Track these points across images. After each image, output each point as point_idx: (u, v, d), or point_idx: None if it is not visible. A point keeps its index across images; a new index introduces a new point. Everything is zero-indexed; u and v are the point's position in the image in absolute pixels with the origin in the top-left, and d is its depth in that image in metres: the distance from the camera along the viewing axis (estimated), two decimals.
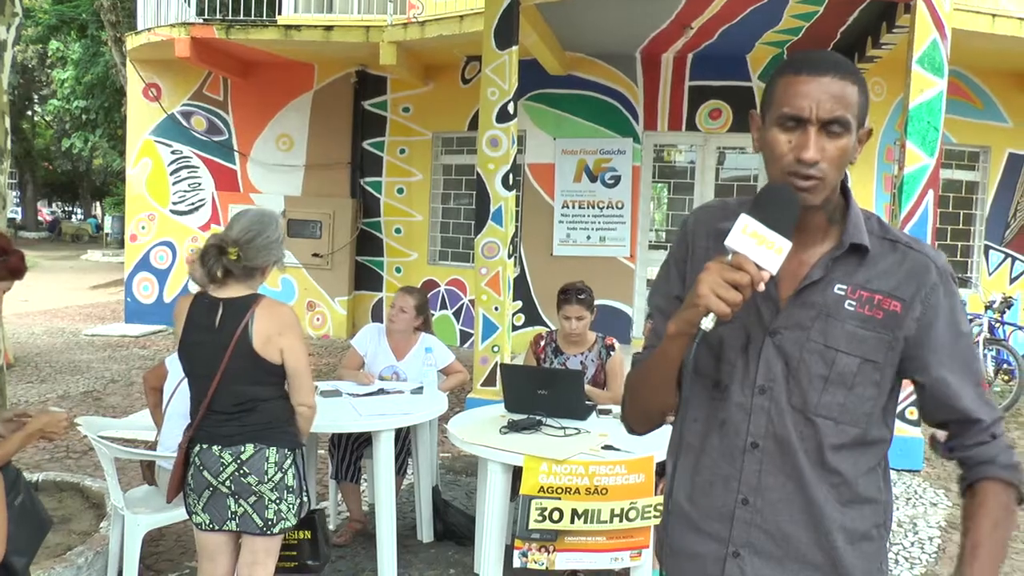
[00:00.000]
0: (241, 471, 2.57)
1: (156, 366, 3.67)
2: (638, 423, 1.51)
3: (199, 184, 10.60)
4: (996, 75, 8.62)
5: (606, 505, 2.91)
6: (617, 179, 9.11)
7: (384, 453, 3.49)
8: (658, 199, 11.02)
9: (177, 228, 10.64)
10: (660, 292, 1.48)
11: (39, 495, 3.11)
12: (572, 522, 2.91)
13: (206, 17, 10.45)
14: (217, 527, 2.63)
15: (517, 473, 3.07)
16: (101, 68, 17.75)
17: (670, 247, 1.49)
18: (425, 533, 4.09)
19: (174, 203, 10.67)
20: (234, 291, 2.63)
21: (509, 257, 6.25)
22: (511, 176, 6.22)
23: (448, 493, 4.63)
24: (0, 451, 2.30)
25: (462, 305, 9.71)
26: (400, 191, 10.12)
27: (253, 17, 9.96)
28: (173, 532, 3.96)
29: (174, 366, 3.40)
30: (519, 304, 9.26)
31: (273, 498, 2.60)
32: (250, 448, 2.58)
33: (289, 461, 2.64)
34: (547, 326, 8.83)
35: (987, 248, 8.98)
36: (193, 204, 10.63)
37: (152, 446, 3.55)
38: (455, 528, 4.09)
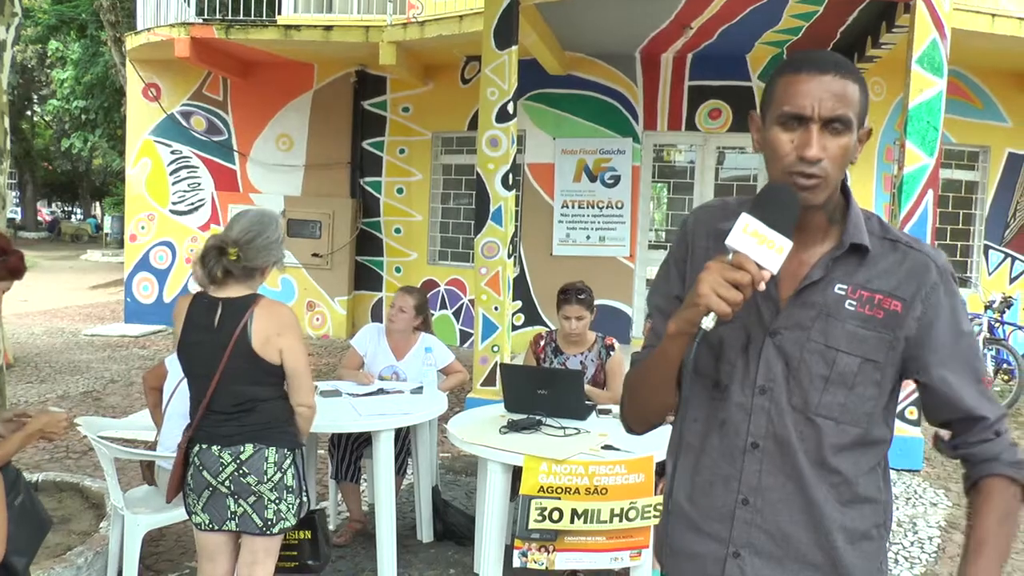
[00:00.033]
0: (240, 471, 2.57)
1: (156, 366, 3.67)
2: (637, 423, 1.51)
3: (199, 184, 10.60)
4: (996, 75, 8.63)
5: (606, 505, 2.91)
6: (617, 179, 9.11)
7: (384, 453, 3.49)
8: (658, 199, 11.03)
9: (177, 228, 10.64)
10: (660, 292, 1.47)
11: (39, 495, 3.11)
12: (572, 522, 2.91)
13: (206, 17, 10.45)
14: (217, 527, 2.63)
15: (517, 473, 3.07)
16: (101, 68, 17.75)
17: (670, 247, 1.49)
18: (425, 533, 4.09)
19: (174, 203, 10.67)
20: (233, 291, 2.63)
21: (509, 257, 6.25)
22: (511, 176, 6.22)
23: (448, 493, 4.63)
24: (0, 451, 2.30)
25: (462, 305, 9.71)
26: (400, 191, 10.12)
27: (253, 17, 9.96)
28: (173, 532, 3.96)
29: (174, 366, 3.40)
30: (519, 304, 9.26)
31: (272, 498, 2.60)
32: (249, 448, 2.58)
33: (288, 461, 2.64)
34: (547, 326, 8.83)
35: (987, 248, 8.98)
36: (193, 204, 10.63)
37: (152, 446, 3.55)
38: (455, 528, 4.09)
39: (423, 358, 4.27)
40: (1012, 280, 8.97)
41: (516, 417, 3.45)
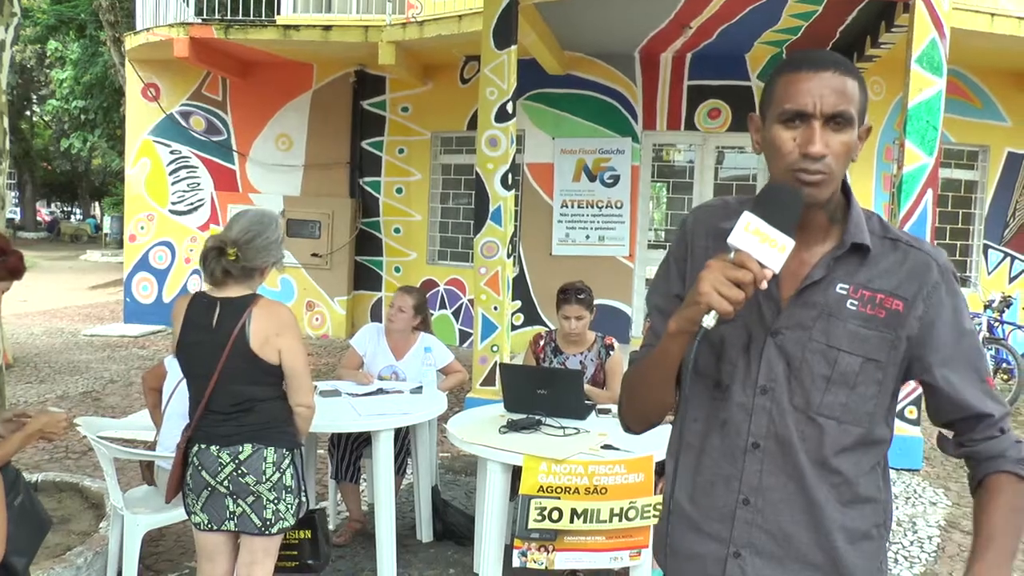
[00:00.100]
0: (239, 471, 2.57)
1: (155, 366, 3.67)
2: (635, 422, 1.51)
3: (198, 184, 10.60)
4: (995, 74, 8.63)
5: (605, 505, 2.91)
6: (616, 179, 9.11)
7: (383, 453, 3.49)
8: (657, 198, 11.02)
9: (176, 228, 10.64)
10: (659, 291, 1.47)
11: (39, 495, 3.10)
12: (571, 522, 2.91)
13: (205, 17, 10.45)
14: (215, 527, 2.63)
15: (516, 473, 3.07)
16: (100, 68, 17.75)
17: (669, 246, 1.49)
18: (424, 533, 4.09)
19: (173, 203, 10.66)
20: (233, 291, 2.63)
21: (508, 257, 6.25)
22: (510, 176, 6.22)
23: (447, 493, 4.63)
24: (0, 451, 2.30)
25: (461, 305, 9.71)
26: (399, 191, 10.12)
27: (252, 17, 9.96)
28: (172, 532, 3.95)
29: (173, 366, 3.40)
30: (518, 304, 9.26)
31: (271, 498, 2.60)
32: (248, 448, 2.58)
33: (287, 461, 2.64)
34: (546, 326, 8.83)
35: (986, 247, 8.98)
36: (192, 204, 10.62)
37: (151, 446, 3.55)
38: (454, 528, 4.09)
39: (422, 358, 4.27)
40: (1011, 279, 8.98)
41: (516, 417, 3.45)
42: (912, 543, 4.31)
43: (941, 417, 1.38)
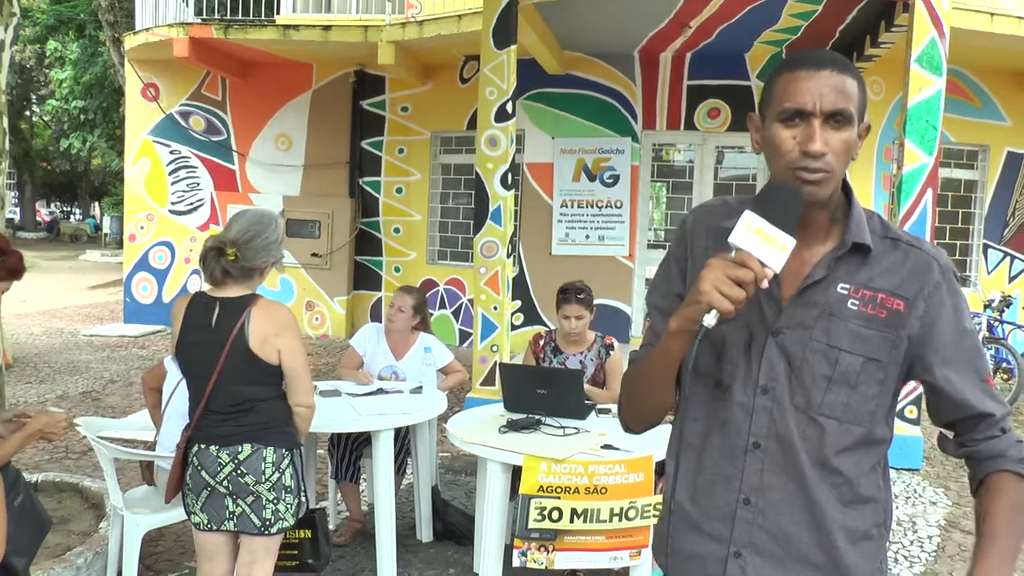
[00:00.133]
0: (238, 471, 2.57)
1: (155, 366, 3.67)
2: (635, 422, 1.51)
3: (198, 184, 10.60)
4: (995, 74, 8.63)
5: (605, 504, 2.91)
6: (616, 178, 9.11)
7: (383, 453, 3.49)
8: (657, 198, 11.01)
9: (176, 228, 10.64)
10: (659, 291, 1.47)
11: (39, 495, 3.10)
12: (571, 521, 2.91)
13: (204, 17, 10.45)
14: (215, 527, 2.63)
15: (516, 472, 3.07)
16: (99, 68, 17.75)
17: (669, 246, 1.49)
18: (424, 533, 4.09)
19: (173, 203, 10.66)
20: (232, 291, 2.62)
21: (508, 256, 6.25)
22: (510, 175, 6.21)
23: (447, 493, 4.63)
24: (0, 452, 2.30)
25: (461, 304, 9.71)
26: (399, 191, 10.12)
27: (251, 17, 9.97)
28: (172, 532, 3.95)
29: (173, 366, 3.40)
30: (518, 303, 9.26)
31: (271, 498, 2.60)
32: (247, 448, 2.58)
33: (287, 461, 2.64)
34: (546, 325, 8.83)
35: (986, 247, 8.99)
36: (192, 204, 10.62)
37: (151, 446, 3.55)
38: (454, 528, 4.09)
39: (422, 358, 4.28)
40: (1011, 279, 8.98)
41: (515, 417, 3.45)
42: (912, 543, 4.31)
43: (942, 417, 1.38)
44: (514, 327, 8.68)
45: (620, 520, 2.91)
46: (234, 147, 10.47)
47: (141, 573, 3.35)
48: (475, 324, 6.31)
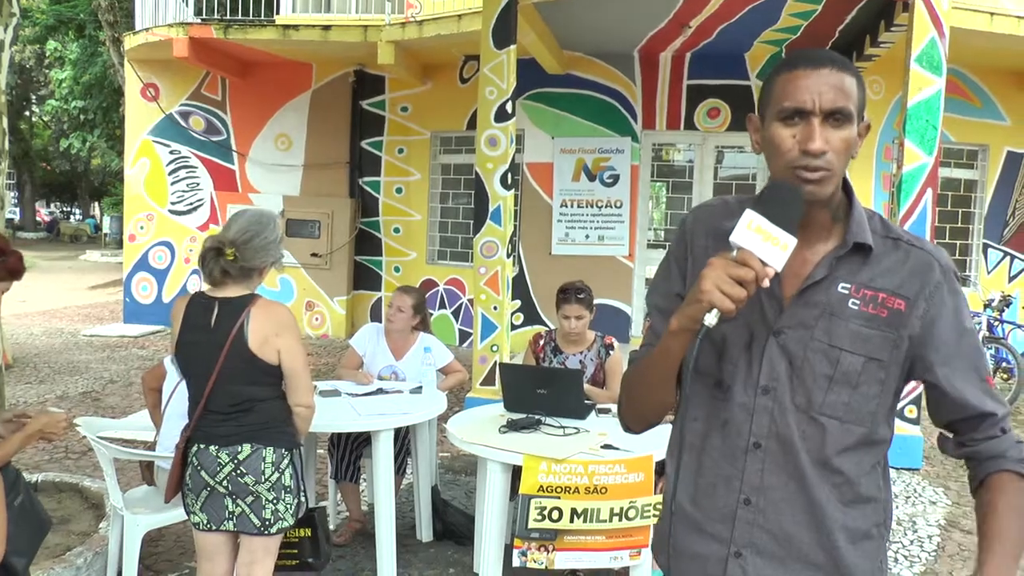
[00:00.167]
0: (238, 471, 2.57)
1: (155, 366, 3.67)
2: (635, 422, 1.50)
3: (197, 184, 10.60)
4: (994, 73, 8.63)
5: (605, 504, 2.91)
6: (616, 178, 9.11)
7: (383, 453, 3.49)
8: (656, 198, 11.01)
9: (176, 228, 10.63)
10: (659, 290, 1.47)
11: (38, 496, 3.10)
12: (571, 521, 2.91)
13: (204, 17, 10.45)
14: (215, 527, 2.63)
15: (516, 472, 3.07)
16: (99, 68, 17.75)
17: (669, 246, 1.48)
18: (424, 533, 4.09)
19: (172, 203, 10.66)
20: (231, 291, 2.62)
21: (508, 256, 6.25)
22: (509, 175, 6.21)
23: (447, 493, 4.63)
24: (0, 452, 2.30)
25: (461, 304, 9.71)
26: (399, 191, 10.12)
27: (251, 17, 9.97)
28: (172, 532, 3.95)
29: (173, 367, 3.40)
30: (518, 303, 9.26)
31: (270, 498, 2.59)
32: (247, 448, 2.58)
33: (286, 461, 2.63)
34: (546, 325, 8.83)
35: (986, 246, 8.99)
36: (192, 204, 10.62)
37: (151, 446, 3.55)
38: (454, 528, 4.09)
39: (422, 358, 4.28)
40: (1011, 278, 8.98)
41: (515, 416, 3.45)
42: (912, 542, 4.31)
43: (942, 417, 1.37)
44: (514, 327, 8.68)
45: (620, 520, 2.92)
46: (234, 147, 10.47)
47: (141, 573, 3.35)
48: (475, 324, 6.31)
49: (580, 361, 3.95)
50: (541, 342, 4.04)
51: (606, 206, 9.14)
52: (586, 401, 3.64)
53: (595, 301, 3.98)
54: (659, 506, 2.83)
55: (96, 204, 39.79)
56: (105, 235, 30.61)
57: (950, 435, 1.39)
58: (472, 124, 8.48)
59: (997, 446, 1.33)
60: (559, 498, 2.91)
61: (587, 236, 9.20)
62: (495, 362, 6.09)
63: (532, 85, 8.95)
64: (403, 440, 4.08)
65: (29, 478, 4.00)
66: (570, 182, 9.22)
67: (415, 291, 4.38)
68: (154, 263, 10.70)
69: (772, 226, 1.20)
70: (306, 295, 10.19)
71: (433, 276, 9.91)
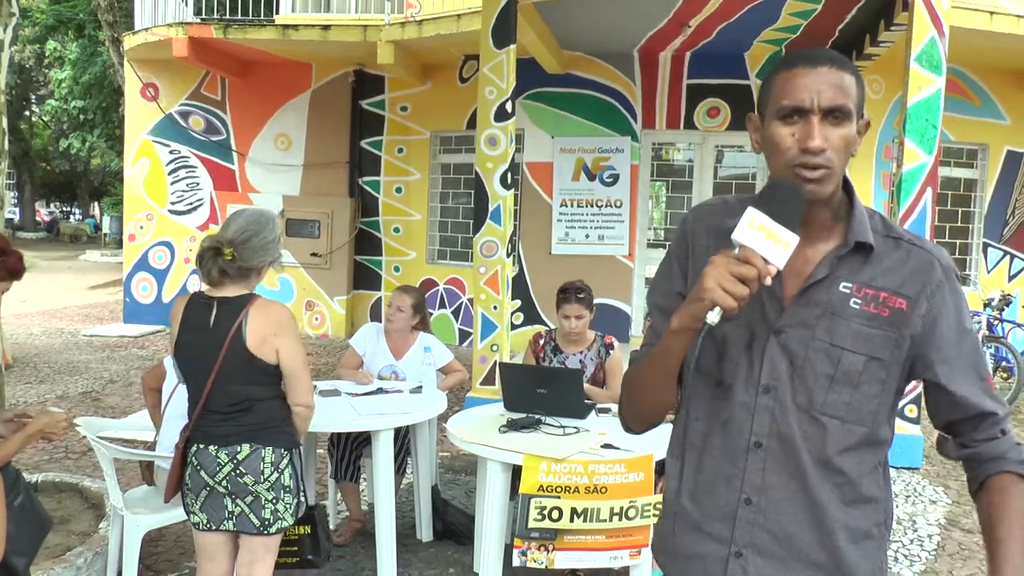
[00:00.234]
0: (237, 471, 2.56)
1: (155, 366, 3.67)
2: (635, 422, 1.50)
3: (197, 184, 10.60)
4: (994, 72, 8.63)
5: (605, 504, 2.91)
6: (615, 178, 9.11)
7: (383, 452, 3.49)
8: (656, 197, 11.02)
9: (175, 228, 10.63)
10: (660, 290, 1.46)
11: (39, 496, 3.10)
12: (571, 521, 2.91)
13: (203, 17, 10.44)
14: (215, 527, 2.63)
15: (516, 472, 3.07)
16: (99, 68, 17.75)
17: (670, 245, 1.48)
18: (424, 532, 4.09)
19: (172, 203, 10.66)
20: (229, 291, 2.62)
21: (508, 256, 6.25)
22: (509, 175, 6.21)
23: (447, 492, 4.63)
24: (0, 452, 2.30)
25: (461, 304, 9.71)
26: (398, 190, 10.12)
27: (251, 17, 9.97)
28: (172, 532, 3.95)
29: (172, 367, 3.39)
30: (518, 303, 9.26)
31: (270, 498, 2.59)
32: (246, 448, 2.57)
33: (286, 461, 2.63)
34: (546, 325, 8.83)
35: (985, 246, 8.99)
36: (191, 204, 10.62)
37: (151, 446, 3.55)
38: (454, 527, 4.08)
39: (422, 357, 4.27)
40: (1011, 278, 8.98)
41: (515, 416, 3.45)
42: (912, 541, 4.31)
43: (943, 416, 1.37)
44: (514, 327, 8.67)
45: (620, 519, 2.92)
46: (233, 147, 10.46)
47: (141, 573, 3.35)
48: (475, 324, 6.31)
49: (580, 361, 3.95)
50: (541, 342, 4.04)
51: (606, 206, 9.14)
52: (586, 401, 3.64)
53: (595, 301, 3.98)
54: (659, 506, 2.83)
55: (96, 204, 39.79)
56: (105, 235, 30.61)
57: (949, 437, 1.38)
58: (472, 124, 8.48)
59: (997, 447, 1.32)
60: (559, 498, 2.91)
61: (587, 236, 9.20)
62: (495, 362, 6.09)
63: (532, 85, 8.95)
64: (403, 440, 4.08)
65: (29, 478, 4.00)
66: (570, 182, 9.22)
67: (415, 291, 4.38)
68: (154, 263, 10.70)
69: (774, 224, 1.19)
70: (306, 295, 10.19)
71: (433, 276, 9.91)
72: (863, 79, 1.31)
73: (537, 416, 3.43)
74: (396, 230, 10.14)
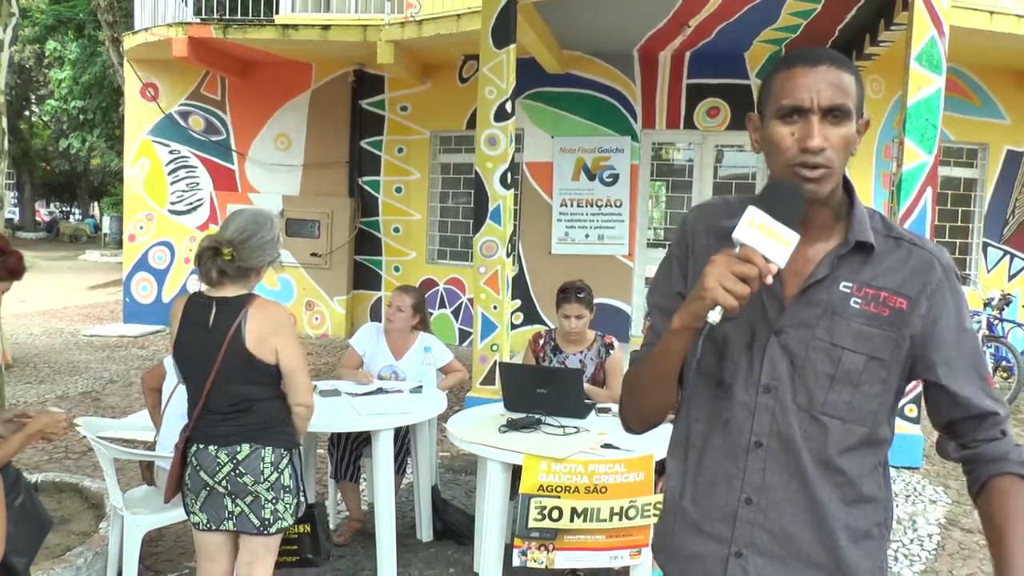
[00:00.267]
0: (237, 471, 2.56)
1: (155, 366, 3.67)
2: (636, 422, 1.50)
3: (197, 184, 10.60)
4: (994, 72, 8.63)
5: (605, 504, 2.91)
6: (615, 177, 9.11)
7: (383, 452, 3.49)
8: (656, 197, 11.02)
9: (175, 228, 10.63)
10: (660, 289, 1.46)
11: (39, 496, 3.10)
12: (571, 521, 2.91)
13: (203, 17, 10.43)
14: (214, 527, 2.63)
15: (516, 472, 3.07)
16: (98, 68, 17.75)
17: (670, 245, 1.48)
18: (424, 532, 4.09)
19: (172, 203, 10.66)
20: (228, 291, 2.62)
21: (508, 256, 6.25)
22: (509, 175, 6.21)
23: (447, 492, 4.63)
24: (0, 452, 2.30)
25: (461, 304, 9.71)
26: (398, 190, 10.11)
27: (250, 16, 9.96)
28: (172, 532, 3.95)
29: (172, 367, 3.39)
30: (518, 303, 9.26)
31: (269, 498, 2.59)
32: (246, 448, 2.57)
33: (285, 461, 2.63)
34: (546, 325, 8.83)
35: (985, 245, 8.98)
36: (191, 204, 10.62)
37: (151, 446, 3.55)
38: (454, 527, 4.08)
39: (422, 357, 4.27)
40: (1011, 277, 8.98)
41: (515, 416, 3.45)
42: (912, 541, 4.31)
43: (943, 417, 1.36)
44: (514, 326, 8.67)
45: (620, 519, 2.91)
46: (233, 147, 10.46)
47: (141, 573, 3.35)
48: (475, 323, 6.31)
49: (580, 360, 3.95)
50: (541, 341, 4.04)
51: (606, 205, 9.14)
52: (586, 400, 3.64)
53: (595, 300, 3.98)
54: (659, 505, 2.83)
55: (96, 204, 39.78)
56: (105, 235, 30.60)
57: (950, 438, 1.38)
58: (472, 123, 8.47)
59: (998, 448, 1.32)
60: (559, 497, 2.91)
61: (587, 235, 9.20)
62: (495, 361, 6.09)
63: (532, 84, 8.95)
64: (403, 440, 4.08)
65: (29, 478, 4.00)
66: (570, 181, 9.22)
67: (415, 291, 4.38)
68: (154, 263, 10.70)
69: (775, 223, 1.19)
70: (306, 295, 10.19)
71: (433, 275, 9.91)
72: (863, 78, 1.31)
73: (537, 416, 3.43)
74: (396, 230, 10.14)
